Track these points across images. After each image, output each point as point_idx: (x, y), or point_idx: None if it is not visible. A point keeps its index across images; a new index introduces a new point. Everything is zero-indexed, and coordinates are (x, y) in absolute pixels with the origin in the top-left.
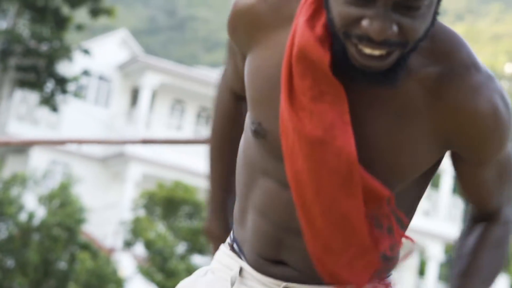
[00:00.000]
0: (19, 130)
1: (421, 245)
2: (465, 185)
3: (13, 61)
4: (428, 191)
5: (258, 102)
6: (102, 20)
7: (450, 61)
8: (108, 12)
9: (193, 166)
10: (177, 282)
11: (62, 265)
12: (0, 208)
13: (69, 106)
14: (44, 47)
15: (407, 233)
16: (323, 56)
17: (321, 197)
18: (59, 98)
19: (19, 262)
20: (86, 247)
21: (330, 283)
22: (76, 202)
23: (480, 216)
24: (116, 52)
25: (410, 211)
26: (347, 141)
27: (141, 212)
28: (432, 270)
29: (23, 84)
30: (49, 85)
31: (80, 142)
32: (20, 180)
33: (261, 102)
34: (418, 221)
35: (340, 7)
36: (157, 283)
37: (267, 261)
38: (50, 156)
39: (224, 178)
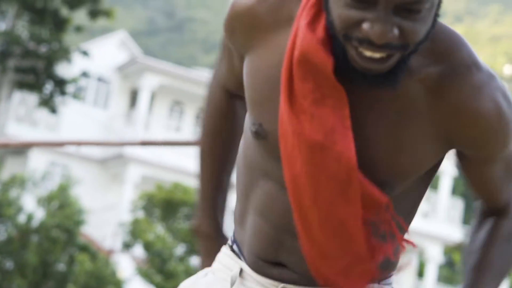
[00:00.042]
0: (18, 132)
1: (420, 247)
2: (472, 182)
3: (12, 63)
4: (427, 192)
5: (258, 103)
6: (101, 21)
7: (451, 60)
8: (107, 13)
9: (192, 167)
10: (176, 284)
11: (61, 266)
12: None
13: (68, 107)
14: (43, 49)
15: (407, 235)
16: (326, 60)
17: (318, 202)
18: (58, 99)
19: (18, 264)
20: (85, 248)
21: (326, 287)
22: (75, 204)
23: (490, 210)
24: (115, 53)
25: (411, 212)
26: (347, 146)
27: (140, 214)
28: (431, 272)
29: (22, 85)
30: (48, 87)
31: (79, 144)
32: (19, 181)
33: (261, 103)
34: (417, 223)
35: (340, 9)
36: (156, 285)
37: (266, 262)
38: (49, 157)
39: (214, 175)
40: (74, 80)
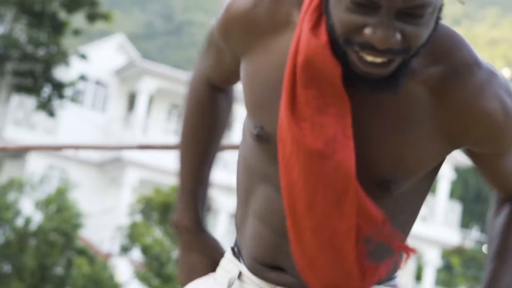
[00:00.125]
0: (16, 135)
1: (418, 250)
2: (484, 174)
3: (10, 66)
4: None
5: (258, 107)
6: (99, 25)
7: (452, 60)
8: (105, 17)
9: None
10: None
11: (59, 270)
12: None
13: (66, 111)
14: (41, 52)
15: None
16: (334, 67)
17: (312, 212)
18: (56, 103)
19: (15, 267)
20: (83, 252)
21: None
22: (72, 207)
23: (506, 197)
24: (113, 57)
25: (412, 215)
26: (347, 156)
27: (138, 217)
28: (429, 275)
29: (20, 89)
30: (46, 90)
31: (77, 147)
32: (16, 185)
33: (261, 107)
34: (415, 226)
35: (341, 14)
36: None
37: (264, 265)
38: (47, 161)
39: (195, 168)
40: (72, 84)
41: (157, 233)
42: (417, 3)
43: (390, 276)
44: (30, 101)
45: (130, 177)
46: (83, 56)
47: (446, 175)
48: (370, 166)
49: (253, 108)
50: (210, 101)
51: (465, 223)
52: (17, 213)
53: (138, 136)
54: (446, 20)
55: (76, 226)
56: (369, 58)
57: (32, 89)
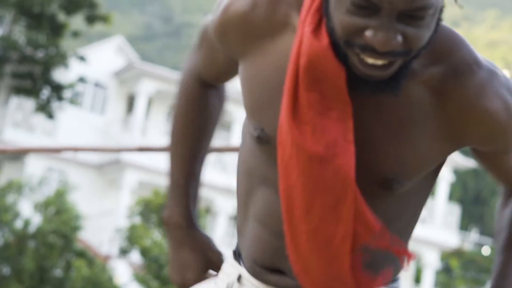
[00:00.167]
0: (14, 137)
1: (417, 253)
2: (491, 170)
3: (9, 68)
4: None
5: (258, 109)
6: (98, 27)
7: (452, 60)
8: (104, 19)
9: None
10: None
11: (58, 272)
12: None
13: (65, 113)
14: (40, 54)
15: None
16: (338, 71)
17: (310, 216)
18: (55, 105)
19: (14, 270)
20: (82, 254)
21: None
22: (71, 209)
23: None
24: (112, 59)
25: (414, 216)
26: (347, 160)
27: (137, 220)
28: (428, 278)
29: (19, 91)
30: (45, 92)
31: (76, 150)
32: (15, 187)
33: (261, 109)
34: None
35: (342, 16)
36: None
37: (263, 268)
38: (46, 163)
39: (186, 164)
40: (71, 86)
41: (156, 235)
42: (418, 5)
43: (392, 278)
44: (29, 103)
45: (129, 179)
46: (82, 58)
47: (445, 178)
48: (372, 167)
49: (253, 110)
50: (201, 97)
51: (464, 225)
52: (16, 215)
53: (137, 138)
54: (446, 22)
55: (75, 228)
56: (370, 60)
57: (31, 91)
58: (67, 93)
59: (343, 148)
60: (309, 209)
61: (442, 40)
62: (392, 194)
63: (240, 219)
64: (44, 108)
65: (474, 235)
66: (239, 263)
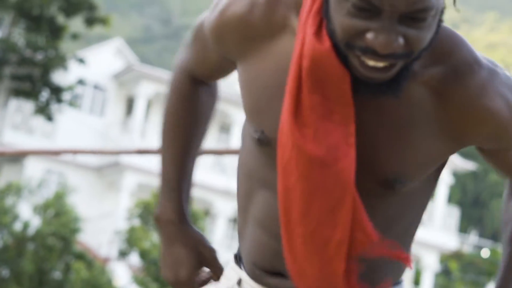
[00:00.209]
0: (14, 139)
1: (416, 255)
2: (495, 166)
3: (8, 70)
4: None
5: (258, 111)
6: (97, 29)
7: (452, 60)
8: (103, 21)
9: None
10: None
11: (57, 274)
12: None
13: (64, 115)
14: (39, 56)
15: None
16: (342, 73)
17: (307, 219)
18: (54, 107)
19: (14, 272)
20: (81, 256)
21: None
22: (71, 212)
23: None
24: (111, 61)
25: (416, 218)
26: (348, 164)
27: (136, 222)
28: (427, 280)
29: (18, 93)
30: (44, 94)
31: (75, 152)
32: (15, 189)
33: (261, 111)
34: None
35: (343, 18)
36: None
37: (263, 271)
38: (45, 165)
39: (177, 159)
40: (70, 88)
41: (155, 237)
42: (419, 7)
43: (395, 281)
44: (28, 105)
45: (128, 182)
46: (81, 60)
47: (444, 180)
48: (374, 167)
49: (253, 113)
50: (192, 94)
51: (463, 228)
52: (15, 217)
53: (136, 141)
54: (445, 24)
55: (74, 231)
56: (371, 62)
57: (30, 93)
58: (66, 95)
59: (344, 152)
60: (307, 212)
61: (442, 40)
62: (394, 194)
63: (240, 222)
64: (43, 110)
65: (473, 238)
66: (240, 267)
